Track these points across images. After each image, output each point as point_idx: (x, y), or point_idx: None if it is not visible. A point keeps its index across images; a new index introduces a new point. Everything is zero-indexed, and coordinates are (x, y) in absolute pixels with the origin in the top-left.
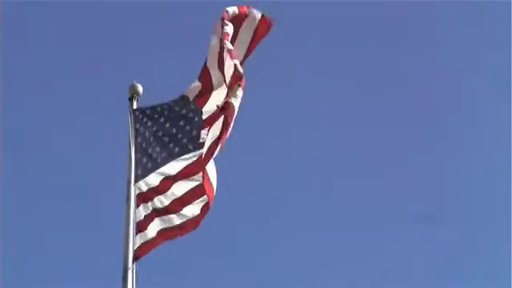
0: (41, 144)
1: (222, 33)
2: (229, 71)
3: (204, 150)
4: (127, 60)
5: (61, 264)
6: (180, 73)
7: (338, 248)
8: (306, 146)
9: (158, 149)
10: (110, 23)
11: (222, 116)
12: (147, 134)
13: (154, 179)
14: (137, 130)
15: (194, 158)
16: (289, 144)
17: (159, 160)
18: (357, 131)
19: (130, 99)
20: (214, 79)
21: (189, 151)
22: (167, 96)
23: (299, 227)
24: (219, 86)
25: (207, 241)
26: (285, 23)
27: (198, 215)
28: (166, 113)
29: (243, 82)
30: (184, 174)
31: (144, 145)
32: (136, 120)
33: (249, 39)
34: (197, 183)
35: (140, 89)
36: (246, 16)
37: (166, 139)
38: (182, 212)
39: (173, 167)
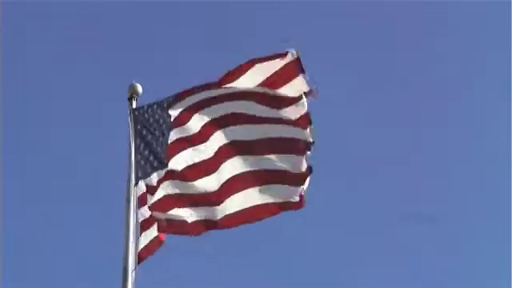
0: (41, 144)
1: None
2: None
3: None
4: (127, 60)
5: (61, 264)
6: (180, 73)
7: (337, 248)
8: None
9: (158, 149)
10: (110, 23)
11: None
12: (146, 134)
13: (155, 179)
14: (136, 131)
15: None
16: None
17: (156, 163)
18: (356, 131)
19: (130, 99)
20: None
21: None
22: (167, 96)
23: (299, 227)
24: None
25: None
26: (285, 23)
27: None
28: (160, 113)
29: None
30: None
31: (143, 146)
32: (136, 120)
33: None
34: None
35: (140, 89)
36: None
37: (163, 139)
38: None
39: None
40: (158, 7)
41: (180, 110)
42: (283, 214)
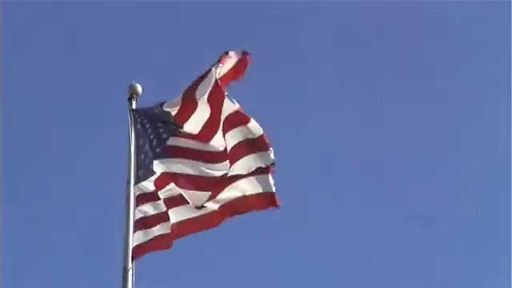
0: (41, 144)
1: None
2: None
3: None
4: (127, 60)
5: (61, 264)
6: (180, 73)
7: (336, 248)
8: (304, 146)
9: (158, 150)
10: (110, 23)
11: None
12: (148, 134)
13: (152, 184)
14: (137, 131)
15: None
16: (288, 144)
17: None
18: (356, 131)
19: (130, 99)
20: (199, 103)
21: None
22: (167, 96)
23: (297, 226)
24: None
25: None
26: (284, 22)
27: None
28: (158, 113)
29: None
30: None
31: (146, 145)
32: (136, 120)
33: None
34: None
35: (139, 89)
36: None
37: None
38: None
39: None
40: (157, 7)
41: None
42: (286, 215)
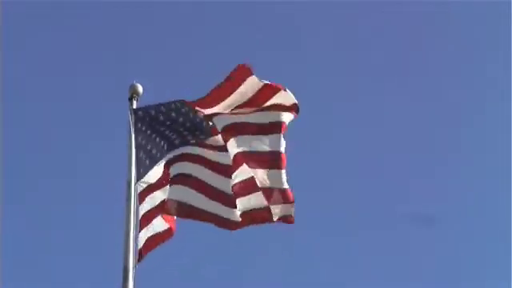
0: (41, 144)
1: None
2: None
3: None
4: (127, 60)
5: (61, 264)
6: (180, 73)
7: (336, 247)
8: (303, 146)
9: (161, 144)
10: (110, 23)
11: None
12: (149, 132)
13: (154, 173)
14: (138, 130)
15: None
16: (288, 144)
17: (159, 155)
18: (355, 131)
19: (130, 99)
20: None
21: (188, 143)
22: (167, 96)
23: (297, 226)
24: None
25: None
26: (284, 23)
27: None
28: (165, 111)
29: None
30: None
31: (146, 143)
32: (137, 120)
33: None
34: None
35: (140, 89)
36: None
37: (168, 133)
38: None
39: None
40: (158, 7)
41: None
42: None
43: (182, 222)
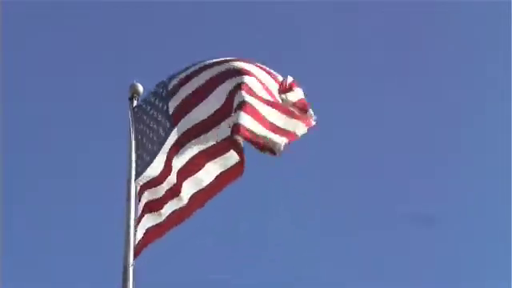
0: (41, 144)
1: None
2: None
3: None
4: (127, 60)
5: (61, 264)
6: None
7: (335, 247)
8: (303, 146)
9: (157, 142)
10: (110, 23)
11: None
12: (147, 131)
13: (151, 171)
14: (137, 129)
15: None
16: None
17: (155, 150)
18: (355, 130)
19: (130, 99)
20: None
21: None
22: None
23: (297, 226)
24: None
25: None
26: (284, 23)
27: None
28: (156, 103)
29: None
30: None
31: (145, 141)
32: (136, 119)
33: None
34: None
35: (140, 89)
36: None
37: (160, 130)
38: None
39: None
40: (158, 7)
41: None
42: (287, 215)
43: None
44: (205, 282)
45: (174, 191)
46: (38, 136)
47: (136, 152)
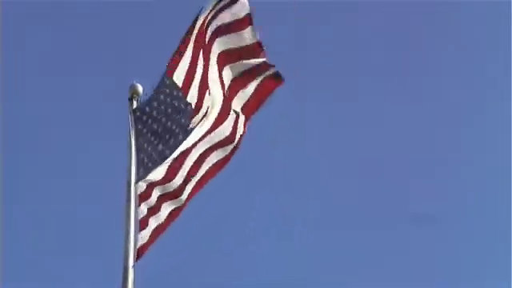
0: (41, 144)
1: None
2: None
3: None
4: (127, 60)
5: (61, 264)
6: None
7: (337, 248)
8: (303, 146)
9: (159, 147)
10: (110, 23)
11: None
12: (148, 133)
13: (154, 175)
14: (138, 130)
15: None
16: (287, 144)
17: (159, 157)
18: (355, 130)
19: (130, 99)
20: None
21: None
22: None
23: (297, 226)
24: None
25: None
26: (284, 23)
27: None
28: (160, 106)
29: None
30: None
31: (145, 145)
32: (136, 120)
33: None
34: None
35: (140, 89)
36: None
37: (166, 135)
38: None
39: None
40: (158, 7)
41: None
42: (288, 214)
43: (181, 224)
44: (205, 282)
45: (177, 192)
46: (38, 136)
47: (136, 154)
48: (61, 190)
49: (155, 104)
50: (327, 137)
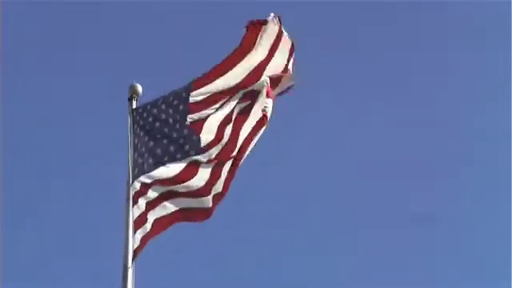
0: (41, 144)
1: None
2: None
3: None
4: (127, 60)
5: (61, 264)
6: (180, 73)
7: (335, 247)
8: (303, 146)
9: (158, 150)
10: (110, 23)
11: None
12: (144, 135)
13: (147, 179)
14: (134, 131)
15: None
16: (287, 144)
17: (155, 160)
18: (357, 131)
19: (130, 99)
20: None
21: (187, 155)
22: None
23: (298, 228)
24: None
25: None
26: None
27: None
28: (162, 109)
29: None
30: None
31: (139, 146)
32: (135, 120)
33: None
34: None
35: (140, 89)
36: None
37: (163, 140)
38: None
39: (171, 168)
40: (158, 7)
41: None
42: (288, 214)
43: (181, 225)
44: (205, 282)
45: (196, 192)
46: (38, 136)
47: (134, 153)
48: (61, 189)
49: (155, 111)
50: (326, 136)
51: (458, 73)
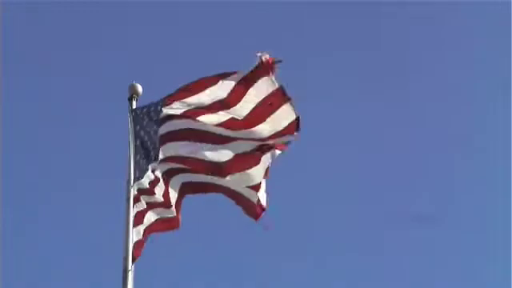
0: (41, 144)
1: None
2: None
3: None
4: (127, 60)
5: (61, 264)
6: (180, 73)
7: (335, 247)
8: (303, 146)
9: (151, 148)
10: (110, 23)
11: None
12: (144, 134)
13: (147, 180)
14: (135, 131)
15: None
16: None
17: (151, 158)
18: (355, 131)
19: (130, 99)
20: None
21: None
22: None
23: (298, 228)
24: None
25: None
26: (284, 23)
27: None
28: (153, 112)
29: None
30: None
31: (141, 146)
32: (135, 120)
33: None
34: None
35: (140, 89)
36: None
37: (150, 146)
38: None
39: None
40: (157, 7)
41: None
42: (289, 214)
43: (181, 227)
44: (205, 282)
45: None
46: (38, 136)
47: (135, 155)
48: (61, 189)
49: (146, 119)
50: (326, 137)
51: (458, 73)
